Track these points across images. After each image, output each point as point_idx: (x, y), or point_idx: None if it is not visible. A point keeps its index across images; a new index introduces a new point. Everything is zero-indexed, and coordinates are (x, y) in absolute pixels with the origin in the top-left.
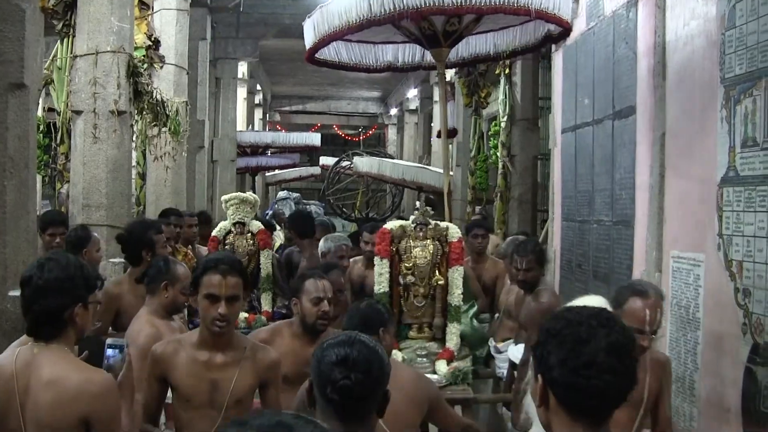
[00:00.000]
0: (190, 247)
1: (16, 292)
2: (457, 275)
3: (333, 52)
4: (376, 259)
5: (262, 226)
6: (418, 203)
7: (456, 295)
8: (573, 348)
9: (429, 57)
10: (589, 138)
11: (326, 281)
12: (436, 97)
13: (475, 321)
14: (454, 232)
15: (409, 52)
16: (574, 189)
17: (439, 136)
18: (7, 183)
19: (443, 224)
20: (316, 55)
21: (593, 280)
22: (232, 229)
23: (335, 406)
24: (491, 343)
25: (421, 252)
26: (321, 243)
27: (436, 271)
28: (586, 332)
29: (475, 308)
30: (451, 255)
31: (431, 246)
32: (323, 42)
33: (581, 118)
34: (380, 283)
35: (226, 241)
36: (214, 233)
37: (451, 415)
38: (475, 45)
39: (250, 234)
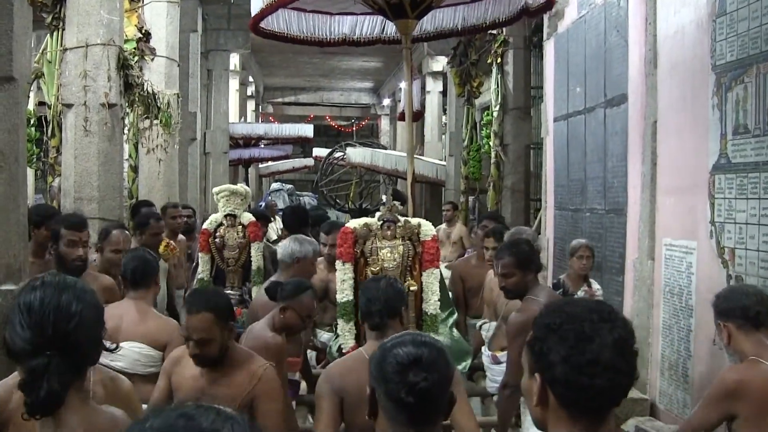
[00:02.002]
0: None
1: (7, 286)
2: (432, 279)
3: (283, 23)
4: (338, 264)
5: (254, 218)
6: (384, 197)
7: (432, 302)
8: (576, 345)
9: (390, 30)
10: (581, 126)
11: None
12: (429, 87)
13: (455, 331)
14: (428, 229)
15: (368, 25)
16: (566, 178)
17: (402, 118)
18: None
19: (414, 221)
20: (263, 25)
21: None
22: (223, 221)
23: (410, 410)
24: (486, 351)
25: (389, 254)
26: (291, 245)
27: (408, 276)
28: (590, 328)
29: (454, 316)
30: (424, 256)
31: (401, 246)
32: (273, 7)
33: (573, 107)
34: (343, 291)
35: (217, 234)
36: (205, 226)
37: (470, 417)
38: (442, 19)
39: (241, 226)
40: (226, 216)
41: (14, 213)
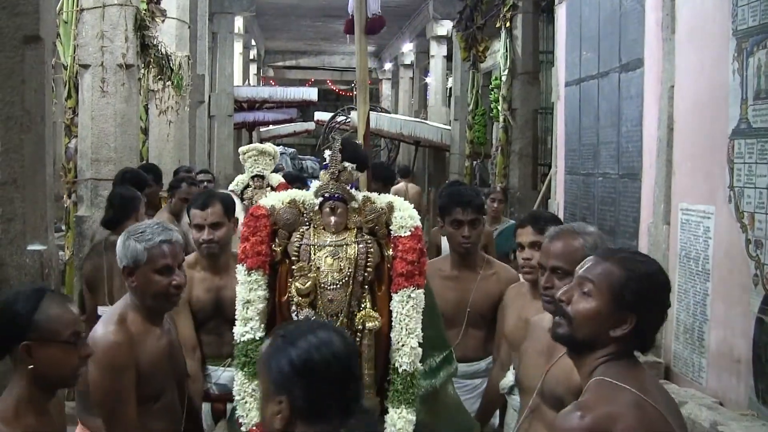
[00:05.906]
0: None
1: (35, 246)
2: (410, 308)
3: None
4: (240, 271)
5: (283, 179)
6: (327, 153)
7: (407, 350)
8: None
9: None
10: (594, 91)
11: None
12: (433, 51)
13: (450, 388)
14: (405, 215)
15: None
16: (578, 142)
17: (349, 31)
18: (25, 137)
19: (382, 199)
20: None
21: None
22: (250, 182)
23: None
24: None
25: (331, 258)
26: (119, 242)
27: (366, 301)
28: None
29: (453, 365)
30: (397, 265)
31: (354, 246)
32: None
33: (585, 72)
34: (246, 321)
35: (244, 196)
36: (231, 187)
37: None
38: None
39: (269, 188)
40: (253, 177)
41: (41, 173)
